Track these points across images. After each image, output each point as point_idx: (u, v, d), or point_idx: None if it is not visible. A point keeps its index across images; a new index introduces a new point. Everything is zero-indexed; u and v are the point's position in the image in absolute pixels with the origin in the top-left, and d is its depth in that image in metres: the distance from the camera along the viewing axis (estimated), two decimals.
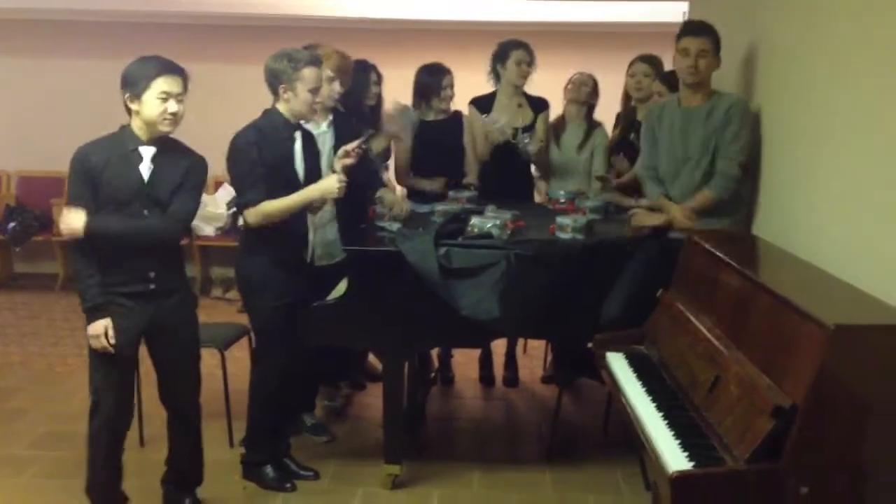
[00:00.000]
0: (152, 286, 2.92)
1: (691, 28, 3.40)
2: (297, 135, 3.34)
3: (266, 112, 3.32)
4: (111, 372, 2.93)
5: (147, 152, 2.86)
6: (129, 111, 2.86)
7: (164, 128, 2.84)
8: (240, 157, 3.21)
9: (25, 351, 5.25)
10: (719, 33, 3.35)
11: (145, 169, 2.86)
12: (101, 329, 2.83)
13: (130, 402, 3.10)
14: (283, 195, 3.22)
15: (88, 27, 6.99)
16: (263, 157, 3.20)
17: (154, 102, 2.79)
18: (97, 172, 2.80)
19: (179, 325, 3.04)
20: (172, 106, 2.81)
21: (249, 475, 3.51)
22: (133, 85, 2.80)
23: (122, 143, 2.85)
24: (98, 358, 2.91)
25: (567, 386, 4.36)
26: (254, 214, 3.21)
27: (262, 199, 3.19)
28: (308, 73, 3.22)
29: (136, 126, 2.86)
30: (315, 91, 3.26)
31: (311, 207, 3.37)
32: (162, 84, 2.79)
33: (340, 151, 3.44)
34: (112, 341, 2.84)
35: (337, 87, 3.68)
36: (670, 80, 3.81)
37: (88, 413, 2.99)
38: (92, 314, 2.85)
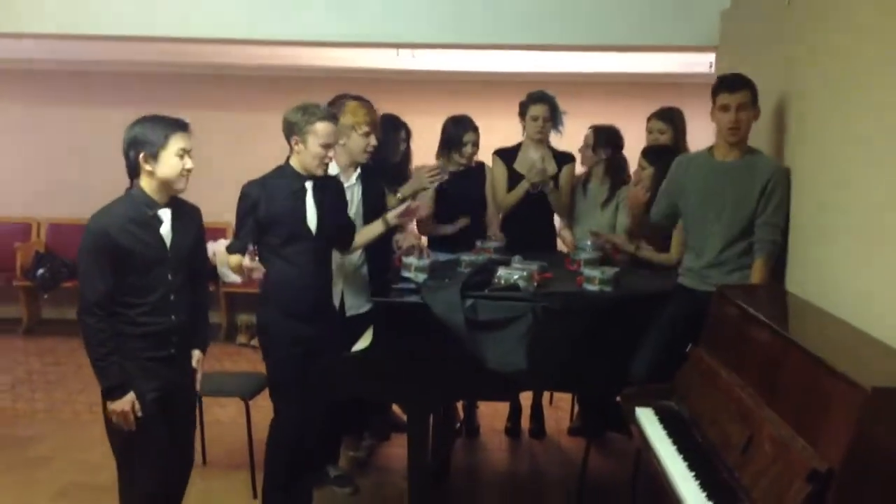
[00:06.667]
0: (173, 350, 2.87)
1: (728, 83, 3.28)
2: (309, 185, 3.32)
3: (279, 166, 3.35)
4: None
5: (166, 215, 2.79)
6: (135, 173, 2.76)
7: (180, 185, 2.78)
8: (237, 208, 3.29)
9: (51, 398, 5.27)
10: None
11: (166, 233, 2.78)
12: (129, 405, 2.74)
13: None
14: (288, 247, 3.26)
15: (117, 77, 7.14)
16: (259, 211, 3.23)
17: (173, 160, 2.72)
18: (119, 244, 2.68)
19: (190, 382, 3.00)
20: (188, 162, 2.76)
21: None
22: (148, 144, 2.70)
23: (138, 209, 2.74)
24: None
25: (595, 439, 4.29)
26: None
27: (238, 249, 3.25)
28: (321, 127, 3.22)
29: (149, 188, 2.76)
30: (327, 146, 3.25)
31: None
32: (179, 141, 2.73)
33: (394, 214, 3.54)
34: (139, 414, 2.76)
35: (373, 140, 3.67)
36: (651, 156, 3.93)
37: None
38: (116, 392, 2.73)
